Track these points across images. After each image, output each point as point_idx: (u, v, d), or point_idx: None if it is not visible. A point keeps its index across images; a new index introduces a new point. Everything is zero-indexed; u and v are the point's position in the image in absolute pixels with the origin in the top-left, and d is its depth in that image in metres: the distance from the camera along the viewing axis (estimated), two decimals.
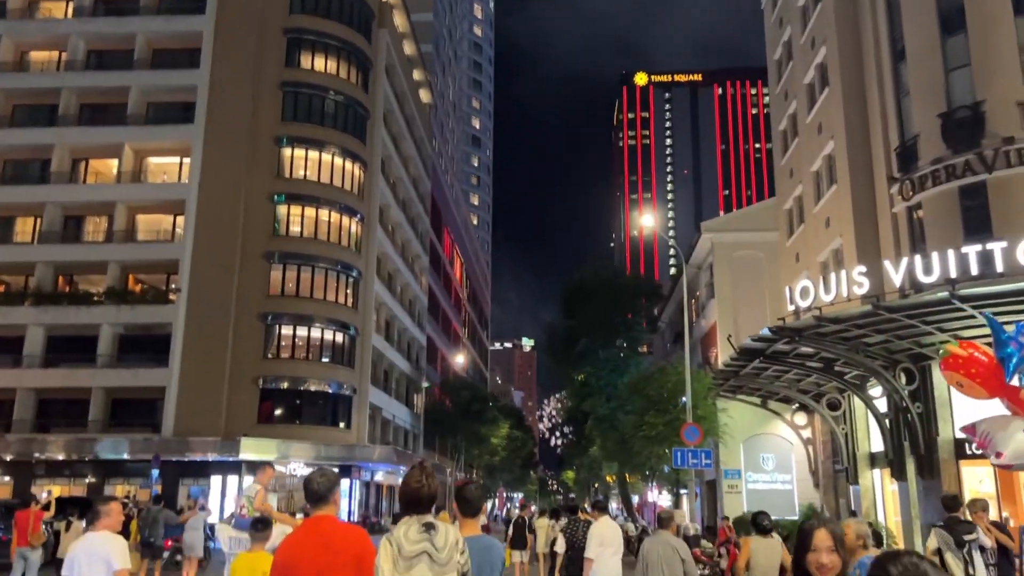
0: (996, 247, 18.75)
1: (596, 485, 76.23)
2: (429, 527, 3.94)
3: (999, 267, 18.55)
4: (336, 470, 5.45)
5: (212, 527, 20.10)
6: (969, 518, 8.18)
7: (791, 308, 23.58)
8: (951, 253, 19.41)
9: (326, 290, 40.85)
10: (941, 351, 8.74)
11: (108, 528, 6.05)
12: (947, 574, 5.54)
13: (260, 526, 6.47)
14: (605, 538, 8.72)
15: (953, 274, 19.19)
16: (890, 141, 25.76)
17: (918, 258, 20.04)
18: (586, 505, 35.30)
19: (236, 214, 39.31)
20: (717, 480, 34.00)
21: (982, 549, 8.16)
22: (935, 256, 19.62)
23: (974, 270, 19.03)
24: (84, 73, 41.90)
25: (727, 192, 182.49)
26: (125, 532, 19.07)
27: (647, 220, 28.64)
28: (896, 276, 20.29)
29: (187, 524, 17.52)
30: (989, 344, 9.90)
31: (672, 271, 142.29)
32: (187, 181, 39.92)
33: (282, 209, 40.69)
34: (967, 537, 7.74)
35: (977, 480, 23.78)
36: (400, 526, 3.97)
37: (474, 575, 4.00)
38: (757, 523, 8.04)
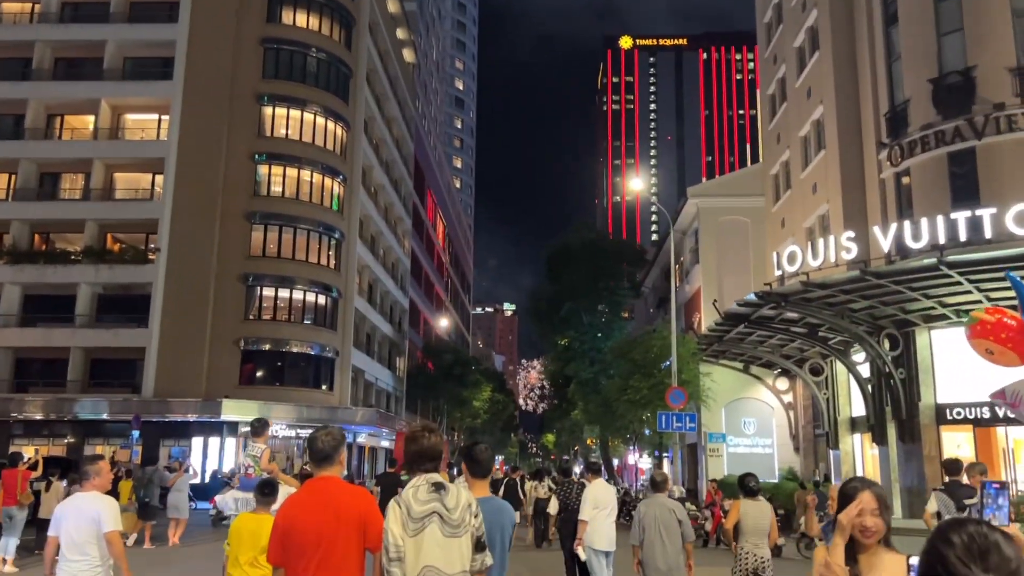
0: (985, 213, 18.75)
1: (576, 448, 76.90)
2: (439, 487, 3.74)
3: (987, 233, 18.56)
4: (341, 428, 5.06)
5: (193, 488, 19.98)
6: (967, 482, 8.13)
7: (778, 273, 23.58)
8: (940, 219, 19.41)
9: (308, 252, 40.41)
10: (967, 319, 8.51)
11: (97, 488, 5.79)
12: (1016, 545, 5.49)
13: (267, 490, 6.22)
14: (599, 500, 8.60)
15: (942, 240, 19.20)
16: (880, 106, 25.62)
17: (907, 224, 20.02)
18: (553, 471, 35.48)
19: (216, 173, 38.65)
20: (698, 444, 34.28)
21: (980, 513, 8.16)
22: (924, 222, 19.61)
23: (963, 236, 19.03)
24: (59, 26, 40.77)
25: (710, 159, 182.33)
26: (114, 493, 19.06)
27: (636, 183, 28.44)
28: (884, 242, 20.28)
29: (172, 486, 17.48)
30: (1014, 307, 9.71)
31: (654, 237, 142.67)
32: (166, 139, 39.14)
33: (263, 169, 40.04)
34: (967, 501, 7.72)
35: (955, 445, 24.10)
36: (408, 487, 3.78)
37: (486, 538, 3.83)
38: (745, 485, 7.98)
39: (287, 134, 40.81)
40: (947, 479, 8.45)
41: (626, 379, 28.65)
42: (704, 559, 15.40)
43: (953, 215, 19.44)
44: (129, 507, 17.03)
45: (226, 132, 39.12)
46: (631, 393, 27.48)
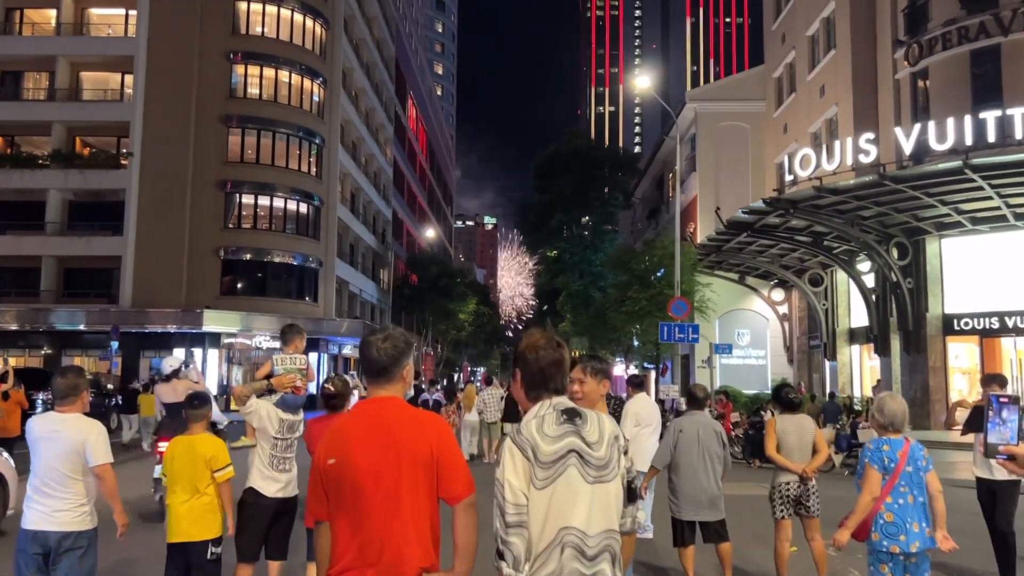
0: (1017, 113, 17.68)
1: None
2: (572, 414, 2.69)
3: (1019, 134, 17.54)
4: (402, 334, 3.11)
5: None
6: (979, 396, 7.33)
7: (789, 178, 22.55)
8: (968, 119, 18.35)
9: (288, 157, 38.72)
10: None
11: (80, 410, 4.57)
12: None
13: (196, 402, 5.20)
14: (642, 416, 7.64)
15: (968, 142, 18.19)
16: (898, 1, 24.19)
17: (932, 124, 18.94)
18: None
19: (189, 73, 36.52)
20: (691, 355, 33.86)
21: None
22: (950, 123, 18.55)
23: (991, 138, 18.01)
24: None
25: (695, 68, 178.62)
26: (134, 406, 18.37)
27: (642, 80, 26.89)
28: (907, 144, 19.25)
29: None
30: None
31: (637, 149, 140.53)
32: (134, 35, 36.77)
33: (239, 69, 37.90)
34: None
35: (954, 356, 23.76)
36: (529, 418, 2.70)
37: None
38: (783, 398, 6.90)
39: (263, 32, 38.55)
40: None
41: (624, 290, 27.83)
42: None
43: (982, 115, 18.34)
44: (154, 420, 16.95)
45: (198, 29, 36.83)
46: (629, 304, 26.72)
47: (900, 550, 4.43)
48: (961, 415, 7.30)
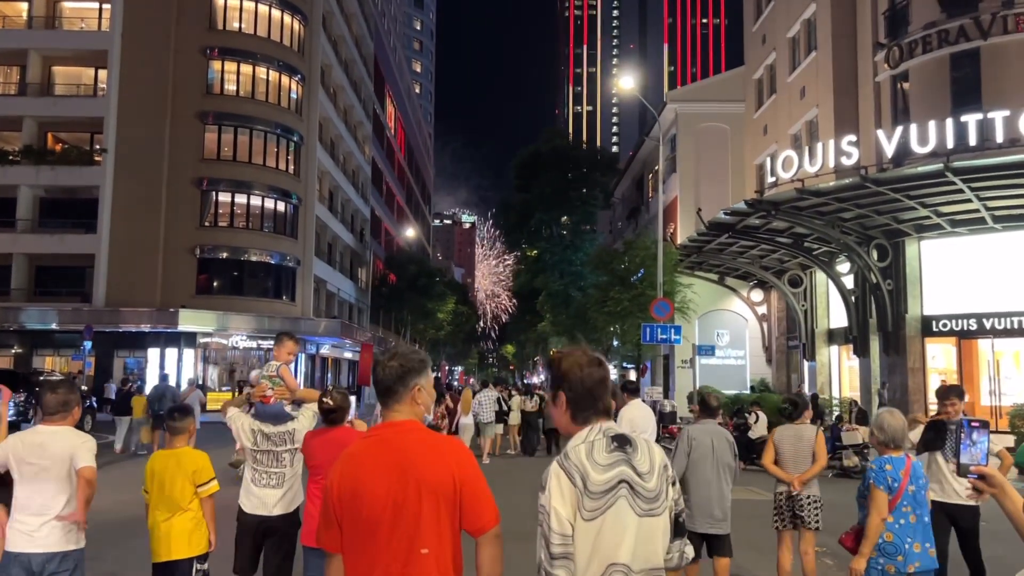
0: (997, 116, 17.80)
1: (538, 359, 77.05)
2: (623, 442, 2.51)
3: (999, 138, 17.66)
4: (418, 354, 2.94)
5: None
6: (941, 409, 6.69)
7: (770, 180, 22.57)
8: (949, 122, 18.43)
9: (265, 155, 38.30)
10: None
11: (70, 425, 4.39)
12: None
13: (178, 415, 4.98)
14: (636, 423, 7.48)
15: (950, 144, 18.28)
16: (879, 4, 24.32)
17: (913, 127, 19.02)
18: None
19: (165, 68, 36.00)
20: (671, 356, 33.90)
21: None
22: (932, 125, 18.62)
23: (972, 141, 18.12)
24: None
25: (672, 68, 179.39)
26: (128, 407, 18.81)
27: (625, 81, 26.84)
28: (888, 146, 19.31)
29: (186, 400, 17.90)
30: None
31: (615, 148, 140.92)
32: (108, 29, 36.17)
33: (215, 65, 37.43)
34: None
35: (932, 357, 23.93)
36: (576, 443, 2.53)
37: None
38: (780, 410, 6.89)
39: (240, 27, 38.10)
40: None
41: (605, 291, 27.78)
42: None
43: (963, 118, 18.45)
44: (144, 420, 18.16)
45: (174, 24, 36.34)
46: (611, 305, 26.67)
47: (896, 570, 4.38)
48: (915, 434, 6.57)
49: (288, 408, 5.51)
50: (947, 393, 6.41)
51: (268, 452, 5.15)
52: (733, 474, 6.37)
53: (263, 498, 5.07)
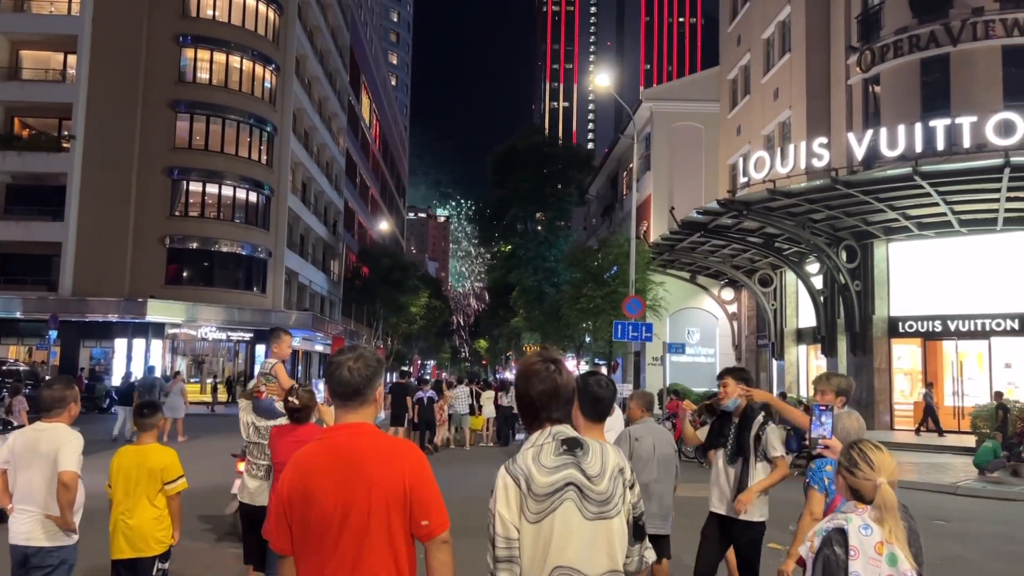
0: (965, 121, 18.09)
1: (510, 354, 77.05)
2: (573, 445, 2.50)
3: (966, 143, 17.95)
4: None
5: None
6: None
7: (743, 180, 22.77)
8: (918, 127, 18.71)
9: (238, 145, 37.90)
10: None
11: (66, 422, 4.46)
12: None
13: (147, 410, 4.90)
14: (606, 421, 7.48)
15: (918, 148, 18.56)
16: (852, 8, 24.60)
17: (883, 131, 19.28)
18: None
19: (137, 55, 35.49)
20: (642, 353, 34.09)
21: None
22: (901, 129, 18.90)
23: (940, 145, 18.41)
24: None
25: (648, 67, 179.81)
26: (131, 398, 19.47)
27: (602, 79, 26.89)
28: (859, 149, 19.56)
29: (171, 392, 20.07)
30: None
31: (591, 145, 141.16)
32: (78, 14, 35.57)
33: (189, 52, 36.97)
34: None
35: (897, 357, 24.30)
36: (526, 447, 2.53)
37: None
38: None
39: (214, 15, 37.64)
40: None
41: (578, 288, 27.85)
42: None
43: (931, 123, 18.73)
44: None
45: (147, 10, 35.84)
46: (584, 302, 26.75)
47: None
48: (696, 438, 6.10)
49: (279, 405, 5.65)
50: (722, 374, 5.80)
51: (258, 445, 5.45)
52: (676, 472, 6.37)
53: (252, 489, 5.37)
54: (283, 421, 5.42)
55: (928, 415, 21.56)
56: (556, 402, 2.56)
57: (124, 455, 4.76)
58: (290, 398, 4.95)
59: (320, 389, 24.02)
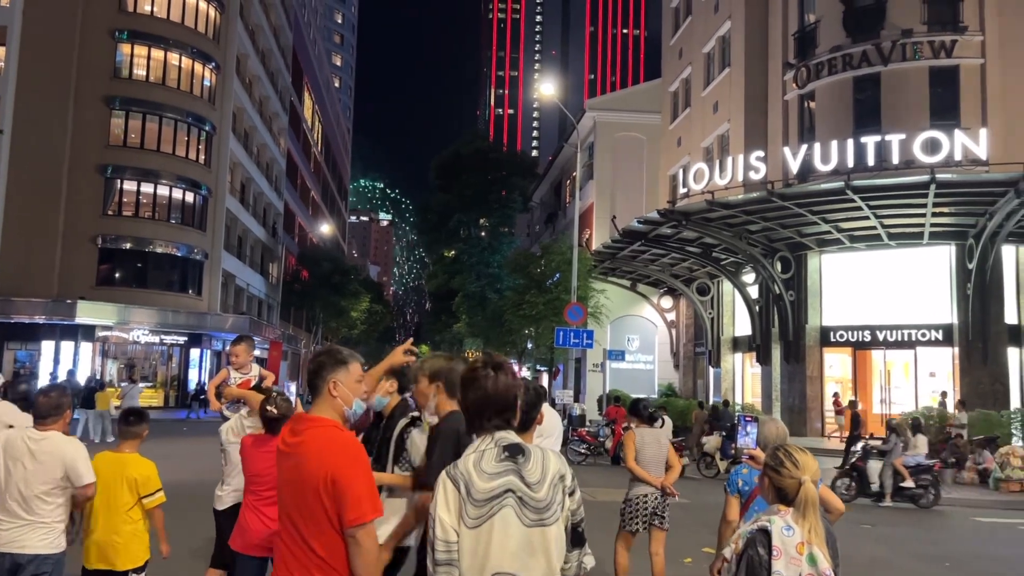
0: (894, 139, 18.75)
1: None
2: (514, 451, 2.51)
3: (895, 159, 18.60)
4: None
5: None
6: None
7: (683, 190, 23.18)
8: (850, 143, 19.31)
9: (175, 144, 37.02)
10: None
11: (60, 429, 4.29)
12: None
13: (132, 418, 4.76)
14: (543, 427, 7.55)
15: (850, 164, 19.16)
16: (789, 25, 25.28)
17: (817, 146, 19.85)
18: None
19: (70, 48, 34.44)
20: (583, 360, 34.38)
21: None
22: (833, 145, 19.49)
23: (870, 161, 19.03)
24: None
25: (592, 76, 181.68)
26: (92, 401, 20.30)
27: (547, 87, 27.09)
28: (793, 163, 20.10)
29: (126, 396, 20.40)
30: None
31: (535, 153, 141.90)
32: (8, 4, 34.35)
33: (125, 48, 36.00)
34: None
35: (829, 366, 25.00)
36: (468, 453, 2.54)
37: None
38: (639, 412, 6.99)
39: (152, 10, 36.75)
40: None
41: (521, 294, 27.97)
42: (610, 480, 15.08)
43: (862, 139, 19.36)
44: (109, 415, 19.93)
45: (81, 2, 34.80)
46: (527, 308, 26.87)
47: None
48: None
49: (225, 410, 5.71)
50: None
51: (222, 450, 5.34)
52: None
53: (216, 492, 5.24)
54: (224, 425, 5.31)
55: (855, 424, 22.20)
56: (491, 409, 2.58)
57: (102, 462, 4.54)
58: (268, 407, 4.67)
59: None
